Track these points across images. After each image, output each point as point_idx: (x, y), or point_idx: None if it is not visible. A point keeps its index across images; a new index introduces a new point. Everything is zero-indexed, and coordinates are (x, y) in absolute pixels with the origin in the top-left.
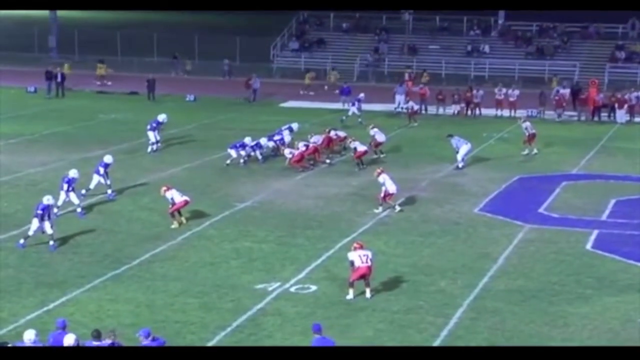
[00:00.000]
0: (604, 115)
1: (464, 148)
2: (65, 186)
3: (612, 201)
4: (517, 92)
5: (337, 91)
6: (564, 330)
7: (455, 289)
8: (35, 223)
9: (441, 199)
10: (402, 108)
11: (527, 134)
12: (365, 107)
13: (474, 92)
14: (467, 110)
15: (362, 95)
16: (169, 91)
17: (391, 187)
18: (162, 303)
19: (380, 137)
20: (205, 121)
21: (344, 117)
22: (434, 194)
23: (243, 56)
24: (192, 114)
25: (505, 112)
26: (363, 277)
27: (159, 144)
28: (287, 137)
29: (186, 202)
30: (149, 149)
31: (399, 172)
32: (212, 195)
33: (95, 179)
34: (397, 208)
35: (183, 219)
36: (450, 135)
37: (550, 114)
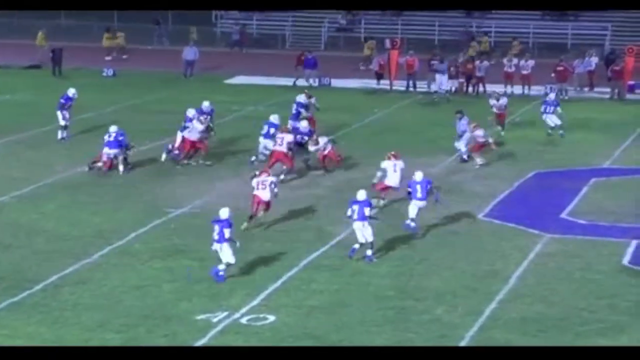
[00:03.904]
0: None
1: (466, 136)
2: None
3: None
4: (531, 62)
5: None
6: None
7: (455, 317)
8: None
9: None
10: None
11: (496, 112)
12: (337, 83)
13: (477, 63)
14: (467, 86)
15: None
16: (79, 64)
17: (392, 179)
18: (74, 339)
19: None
20: (128, 102)
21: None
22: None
23: (177, 17)
24: (111, 93)
25: (517, 89)
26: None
27: (68, 130)
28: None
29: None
30: (59, 135)
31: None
32: (138, 199)
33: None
34: (381, 203)
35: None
36: (461, 113)
37: (575, 92)
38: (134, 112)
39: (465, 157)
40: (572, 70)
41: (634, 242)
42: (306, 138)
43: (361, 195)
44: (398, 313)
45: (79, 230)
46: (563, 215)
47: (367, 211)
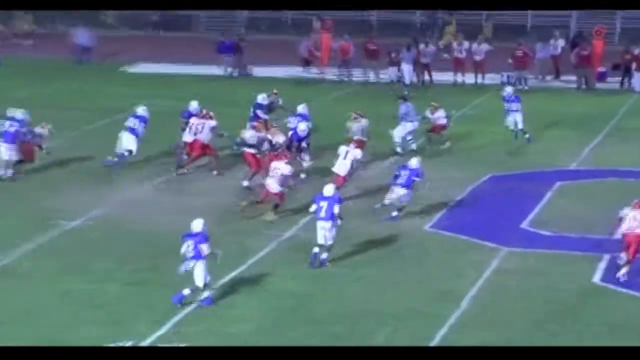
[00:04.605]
0: (614, 80)
1: (406, 126)
2: None
3: None
4: (485, 47)
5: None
6: None
7: (400, 344)
8: None
9: (374, 209)
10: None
11: (440, 122)
12: (260, 72)
13: (421, 47)
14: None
15: None
16: None
17: (340, 167)
18: None
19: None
20: (15, 94)
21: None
22: (362, 202)
23: None
24: None
25: (469, 78)
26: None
27: None
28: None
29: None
30: None
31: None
32: (25, 210)
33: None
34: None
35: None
36: (404, 99)
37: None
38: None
39: (399, 149)
40: (532, 55)
41: (605, 257)
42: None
43: (329, 190)
44: (332, 339)
45: None
46: (523, 225)
47: (337, 209)
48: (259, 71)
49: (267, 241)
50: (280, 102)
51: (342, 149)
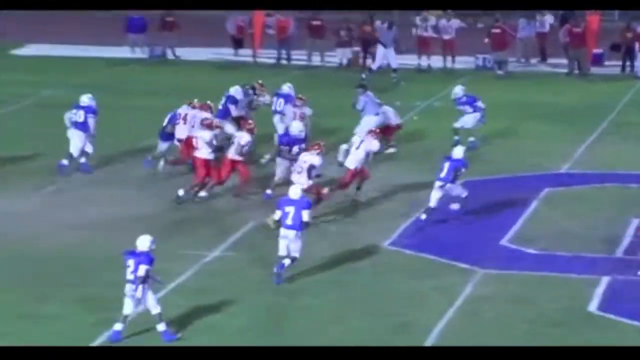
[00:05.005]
0: (613, 64)
1: (369, 120)
2: None
3: (634, 222)
4: (455, 23)
5: None
6: None
7: None
8: None
9: (319, 223)
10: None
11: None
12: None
13: (377, 24)
14: (365, 56)
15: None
16: None
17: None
18: None
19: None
20: None
21: None
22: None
23: None
24: None
25: (436, 60)
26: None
27: None
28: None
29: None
30: None
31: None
32: None
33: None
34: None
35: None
36: (363, 87)
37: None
38: None
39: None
40: (513, 34)
41: (604, 280)
42: (296, 148)
43: (295, 192)
44: None
45: None
46: (504, 241)
47: (306, 216)
48: (180, 53)
49: (188, 264)
50: (263, 98)
51: (356, 139)
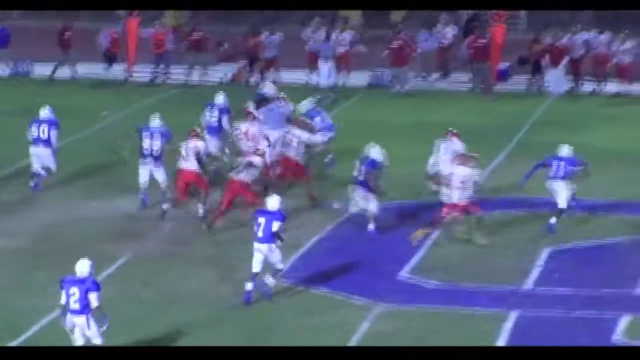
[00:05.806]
0: (520, 79)
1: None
2: None
3: (545, 251)
4: (349, 35)
5: None
6: None
7: None
8: None
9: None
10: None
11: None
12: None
13: (264, 35)
14: (250, 71)
15: None
16: None
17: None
18: None
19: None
20: None
21: None
22: (162, 244)
23: None
24: None
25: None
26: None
27: None
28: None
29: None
30: None
31: (83, 207)
32: None
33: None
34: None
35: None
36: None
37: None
38: None
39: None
40: (414, 46)
41: (512, 315)
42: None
43: (272, 203)
44: None
45: None
46: (403, 273)
47: (275, 226)
48: (40, 70)
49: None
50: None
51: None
